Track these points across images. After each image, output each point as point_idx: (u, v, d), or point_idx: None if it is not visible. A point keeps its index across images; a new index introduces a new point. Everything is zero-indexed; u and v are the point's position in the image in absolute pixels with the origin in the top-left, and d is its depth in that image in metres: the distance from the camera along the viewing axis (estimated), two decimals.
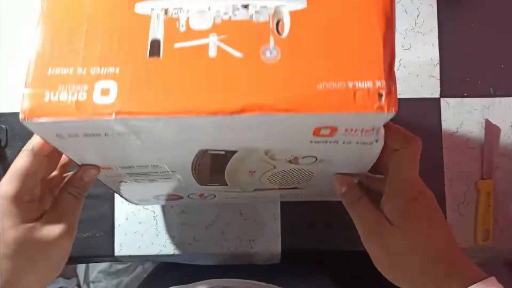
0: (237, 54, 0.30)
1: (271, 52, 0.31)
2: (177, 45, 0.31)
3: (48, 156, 0.34)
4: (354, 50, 0.30)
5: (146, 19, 0.31)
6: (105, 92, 0.30)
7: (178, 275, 0.56)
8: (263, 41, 0.31)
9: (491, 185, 0.47)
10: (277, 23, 0.31)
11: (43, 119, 0.30)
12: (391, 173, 0.36)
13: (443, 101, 0.48)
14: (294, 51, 0.31)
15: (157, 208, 0.48)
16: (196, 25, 0.31)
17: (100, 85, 0.30)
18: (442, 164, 0.48)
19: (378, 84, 0.30)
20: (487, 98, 0.48)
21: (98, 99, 0.29)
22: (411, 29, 0.49)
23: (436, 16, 0.49)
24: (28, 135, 0.48)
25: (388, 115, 0.30)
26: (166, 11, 0.31)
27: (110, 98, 0.29)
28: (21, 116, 0.29)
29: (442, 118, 0.48)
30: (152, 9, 0.31)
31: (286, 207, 0.48)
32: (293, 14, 0.31)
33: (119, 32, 0.31)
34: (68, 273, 1.03)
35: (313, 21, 0.31)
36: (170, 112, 0.29)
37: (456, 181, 0.48)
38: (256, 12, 0.31)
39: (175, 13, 0.31)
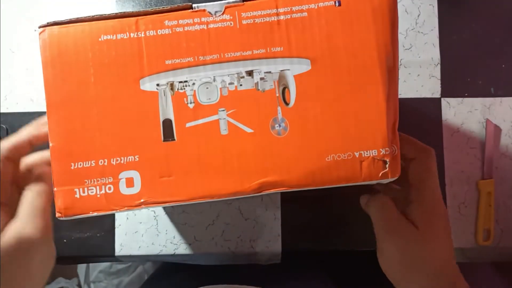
0: (248, 130, 0.31)
1: (280, 125, 0.31)
2: (189, 124, 0.31)
3: (13, 160, 0.34)
4: (359, 116, 0.31)
5: (154, 96, 0.31)
6: (129, 183, 0.31)
7: (179, 277, 0.56)
8: (271, 112, 0.31)
9: (492, 185, 0.47)
10: (283, 90, 0.31)
11: (78, 216, 0.31)
12: (412, 181, 0.37)
13: (444, 101, 0.48)
14: (301, 122, 0.31)
15: (158, 208, 0.48)
16: (204, 99, 0.31)
17: (124, 175, 0.31)
18: (442, 164, 0.48)
19: (382, 151, 0.31)
20: (488, 98, 0.48)
21: (124, 190, 0.31)
22: (412, 29, 0.49)
23: (437, 16, 0.49)
24: None
25: (392, 179, 0.32)
26: (172, 86, 0.31)
27: (136, 188, 0.31)
28: (57, 214, 0.31)
29: (443, 118, 0.48)
30: (158, 85, 0.31)
31: (287, 207, 0.48)
32: (298, 78, 0.31)
33: (129, 114, 0.31)
34: (68, 273, 1.03)
35: (317, 85, 0.31)
36: (192, 198, 0.31)
37: (456, 181, 0.48)
38: (261, 79, 0.31)
39: (181, 88, 0.31)
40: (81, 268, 1.00)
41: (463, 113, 0.48)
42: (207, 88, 0.31)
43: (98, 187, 0.31)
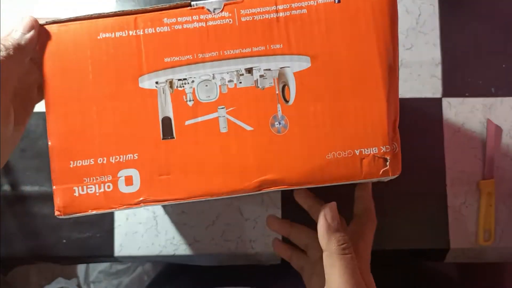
0: (248, 127, 0.31)
1: (279, 123, 0.31)
2: (188, 122, 0.31)
3: None
4: (359, 113, 0.31)
5: (153, 94, 0.31)
6: (129, 181, 0.31)
7: (180, 280, 0.56)
8: (270, 110, 0.31)
9: (493, 185, 0.47)
10: (283, 88, 0.31)
11: (77, 214, 0.31)
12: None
13: (445, 101, 0.48)
14: (301, 120, 0.31)
15: (157, 209, 0.48)
16: (203, 97, 0.31)
17: (123, 173, 0.31)
18: (443, 164, 0.47)
19: (383, 149, 0.31)
20: (489, 98, 0.48)
21: (123, 188, 0.31)
22: (413, 29, 0.49)
23: (438, 15, 0.49)
24: (28, 134, 0.48)
25: (392, 177, 0.31)
26: (171, 84, 0.31)
27: (135, 187, 0.31)
28: (56, 213, 0.31)
29: (444, 117, 0.48)
30: (157, 82, 0.31)
31: (287, 207, 0.48)
32: (298, 75, 0.31)
33: (129, 112, 0.31)
34: (68, 273, 1.03)
35: (317, 82, 0.31)
36: (192, 197, 0.31)
37: (457, 181, 0.47)
38: (261, 76, 0.31)
39: (180, 85, 0.31)
40: (81, 268, 1.00)
41: (464, 113, 0.48)
42: (206, 85, 0.31)
43: (97, 186, 0.31)
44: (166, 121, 0.31)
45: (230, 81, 0.31)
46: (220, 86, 0.31)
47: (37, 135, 0.48)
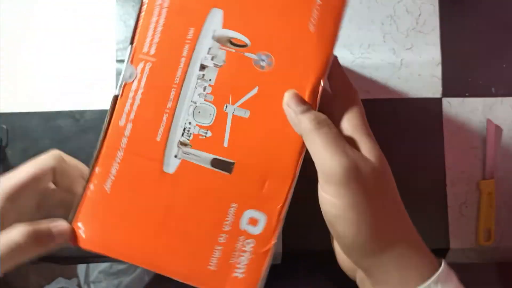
0: (254, 91, 0.31)
1: (264, 61, 0.31)
2: (225, 144, 0.32)
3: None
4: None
5: (184, 163, 0.32)
6: (253, 222, 0.32)
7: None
8: (247, 63, 0.31)
9: (493, 186, 0.47)
10: (232, 43, 0.32)
11: (262, 282, 0.32)
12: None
13: (445, 101, 0.48)
14: (272, 40, 0.31)
15: None
16: (208, 121, 0.32)
17: (243, 222, 0.32)
18: (443, 164, 0.47)
19: None
20: (489, 98, 0.48)
21: (256, 230, 0.32)
22: (413, 29, 0.49)
23: (438, 15, 0.49)
24: (28, 134, 0.48)
25: None
26: (183, 144, 0.32)
27: (262, 220, 0.32)
28: None
29: (444, 118, 0.48)
30: (175, 156, 0.32)
31: (288, 207, 0.47)
32: (227, 24, 0.32)
33: (190, 194, 0.32)
34: (68, 273, 1.03)
35: (242, 11, 0.32)
36: (298, 171, 0.32)
37: (457, 181, 0.47)
38: (212, 59, 0.31)
39: (188, 136, 0.32)
40: (81, 268, 1.00)
41: (464, 113, 0.48)
42: (199, 112, 0.31)
43: (244, 254, 0.31)
44: (215, 162, 0.31)
45: (204, 89, 0.31)
46: (206, 100, 0.32)
47: (37, 135, 0.48)
